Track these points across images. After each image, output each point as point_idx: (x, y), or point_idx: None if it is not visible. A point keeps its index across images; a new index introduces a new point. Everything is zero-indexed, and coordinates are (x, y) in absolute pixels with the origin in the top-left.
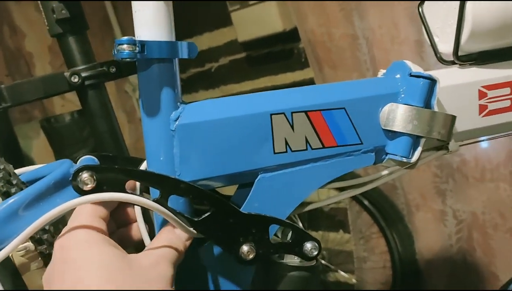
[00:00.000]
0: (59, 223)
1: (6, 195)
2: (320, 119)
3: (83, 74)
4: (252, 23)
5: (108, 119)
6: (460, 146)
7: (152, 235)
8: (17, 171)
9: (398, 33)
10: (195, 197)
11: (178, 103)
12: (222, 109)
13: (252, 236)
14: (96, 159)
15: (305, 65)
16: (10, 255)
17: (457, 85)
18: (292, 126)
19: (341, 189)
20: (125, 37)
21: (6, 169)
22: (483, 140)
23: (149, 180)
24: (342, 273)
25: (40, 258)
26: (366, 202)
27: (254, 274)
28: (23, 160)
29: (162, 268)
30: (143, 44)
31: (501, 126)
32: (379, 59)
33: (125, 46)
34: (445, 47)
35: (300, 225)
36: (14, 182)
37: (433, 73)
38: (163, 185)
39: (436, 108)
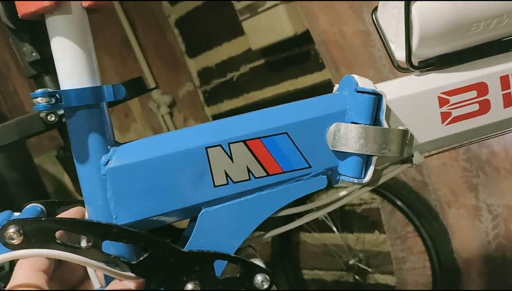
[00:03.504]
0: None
1: None
2: (261, 147)
3: (59, 112)
4: (263, 30)
5: None
6: (426, 157)
7: None
8: None
9: None
10: (130, 240)
11: (109, 147)
12: (154, 148)
13: (196, 274)
14: (40, 207)
15: (322, 66)
16: None
17: (413, 94)
18: (231, 157)
19: None
20: (39, 90)
21: None
22: (454, 148)
23: (78, 229)
24: (381, 275)
25: None
26: (398, 201)
27: None
28: (44, 189)
29: None
30: (61, 94)
31: (472, 132)
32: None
33: (39, 99)
34: (402, 54)
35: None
36: None
37: (385, 84)
38: (94, 232)
39: (385, 124)
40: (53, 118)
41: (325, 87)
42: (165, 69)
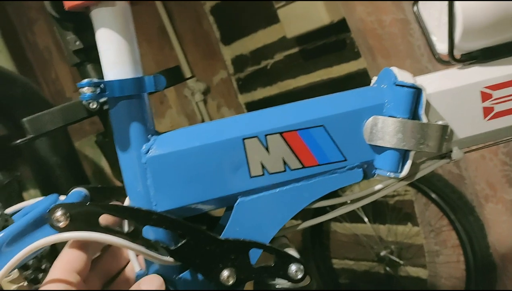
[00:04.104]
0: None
1: None
2: (297, 139)
3: (101, 100)
4: (299, 18)
5: None
6: (466, 153)
7: None
8: (10, 209)
9: None
10: (168, 227)
11: (149, 136)
12: (193, 138)
13: (231, 262)
14: (84, 192)
15: (359, 55)
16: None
17: (455, 88)
18: (267, 149)
19: None
20: (85, 80)
21: None
22: (495, 144)
23: (120, 214)
24: (413, 268)
25: None
26: (432, 194)
27: None
28: (83, 172)
29: None
30: (105, 84)
31: None
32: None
33: (85, 89)
34: (444, 47)
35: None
36: None
37: (426, 78)
38: (135, 218)
39: (424, 119)
40: (95, 106)
41: (360, 77)
42: (200, 56)
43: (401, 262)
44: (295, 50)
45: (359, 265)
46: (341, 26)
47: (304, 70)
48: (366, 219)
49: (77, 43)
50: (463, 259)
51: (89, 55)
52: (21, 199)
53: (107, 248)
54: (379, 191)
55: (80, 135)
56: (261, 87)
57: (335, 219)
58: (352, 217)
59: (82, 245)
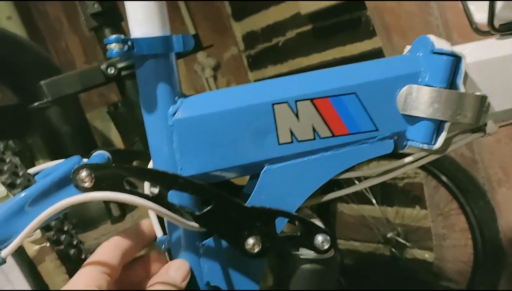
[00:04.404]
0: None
1: (12, 186)
2: (328, 107)
3: (119, 66)
4: None
5: None
6: (500, 127)
7: None
8: (33, 169)
9: None
10: (194, 192)
11: (176, 98)
12: (220, 102)
13: (257, 230)
14: (107, 154)
15: (373, 34)
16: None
17: (494, 58)
18: (297, 115)
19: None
20: (113, 36)
21: (12, 162)
22: None
23: (146, 177)
24: (419, 250)
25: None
26: (443, 177)
27: (266, 266)
28: (94, 143)
29: None
30: (133, 41)
31: None
32: (453, 24)
33: (113, 45)
34: (482, 16)
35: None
36: (20, 173)
37: (463, 47)
38: (161, 181)
39: (462, 89)
40: (112, 71)
41: (374, 56)
42: (211, 32)
43: (408, 244)
44: (308, 27)
45: (365, 246)
46: (356, 4)
47: (317, 49)
48: (374, 201)
49: (95, 6)
50: (471, 243)
51: (106, 18)
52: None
53: (136, 260)
54: (408, 164)
55: (89, 108)
56: (271, 65)
57: (342, 200)
58: (360, 198)
59: (116, 248)
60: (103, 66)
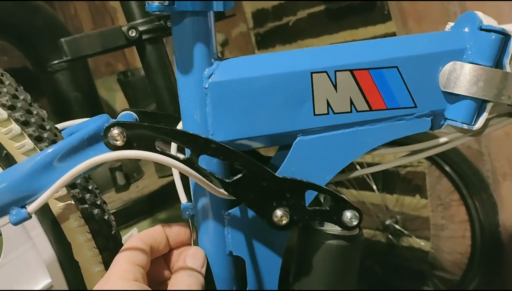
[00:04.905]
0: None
1: (38, 139)
2: (368, 79)
3: (141, 28)
4: None
5: (166, 75)
6: None
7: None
8: (60, 125)
9: None
10: (226, 158)
11: (213, 60)
12: (258, 67)
13: (286, 201)
14: (134, 115)
15: (387, 18)
16: (48, 204)
17: None
18: (335, 86)
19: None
20: None
21: (40, 114)
22: None
23: (179, 139)
24: (416, 239)
25: (77, 211)
26: (447, 168)
27: (291, 239)
28: (102, 110)
29: None
30: None
31: None
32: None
33: None
34: None
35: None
36: (47, 127)
37: (509, 26)
38: (193, 145)
39: (508, 69)
40: (134, 34)
41: None
42: None
43: (405, 232)
44: (320, 8)
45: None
46: None
47: (328, 30)
48: (375, 187)
49: None
50: (469, 235)
51: None
52: None
53: (158, 260)
54: (445, 143)
55: (95, 76)
56: (280, 44)
57: (342, 185)
58: (361, 184)
59: (144, 242)
60: (124, 28)
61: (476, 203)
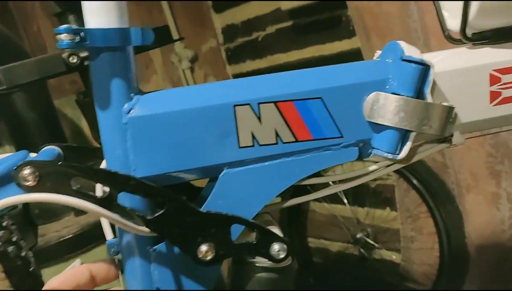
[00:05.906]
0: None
1: None
2: (292, 111)
3: (82, 55)
4: None
5: None
6: (467, 138)
7: None
8: None
9: None
10: (147, 194)
11: (132, 94)
12: (179, 100)
13: (211, 236)
14: (58, 150)
15: (353, 33)
16: None
17: (463, 68)
18: (259, 118)
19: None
20: (63, 26)
21: None
22: (497, 132)
23: (95, 177)
24: (387, 251)
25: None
26: (414, 181)
27: (221, 273)
28: (62, 132)
29: None
30: (86, 32)
31: None
32: (431, 27)
33: (63, 35)
34: (455, 23)
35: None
36: None
37: (433, 55)
38: (111, 182)
39: (429, 98)
40: (75, 60)
41: (352, 56)
42: (190, 22)
43: (376, 245)
44: (288, 23)
45: (334, 245)
46: (338, 3)
47: (296, 46)
48: (345, 201)
49: None
50: (437, 247)
51: (72, 5)
52: None
53: None
54: (371, 172)
55: (59, 95)
56: (250, 59)
57: (314, 199)
58: (332, 198)
59: (66, 285)
60: (64, 55)
61: (443, 215)
